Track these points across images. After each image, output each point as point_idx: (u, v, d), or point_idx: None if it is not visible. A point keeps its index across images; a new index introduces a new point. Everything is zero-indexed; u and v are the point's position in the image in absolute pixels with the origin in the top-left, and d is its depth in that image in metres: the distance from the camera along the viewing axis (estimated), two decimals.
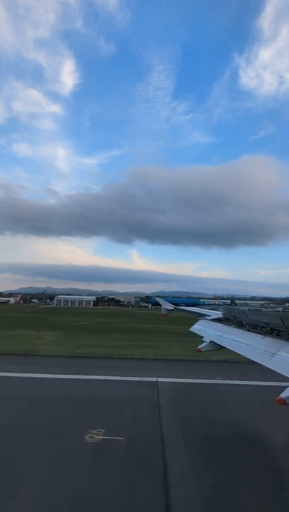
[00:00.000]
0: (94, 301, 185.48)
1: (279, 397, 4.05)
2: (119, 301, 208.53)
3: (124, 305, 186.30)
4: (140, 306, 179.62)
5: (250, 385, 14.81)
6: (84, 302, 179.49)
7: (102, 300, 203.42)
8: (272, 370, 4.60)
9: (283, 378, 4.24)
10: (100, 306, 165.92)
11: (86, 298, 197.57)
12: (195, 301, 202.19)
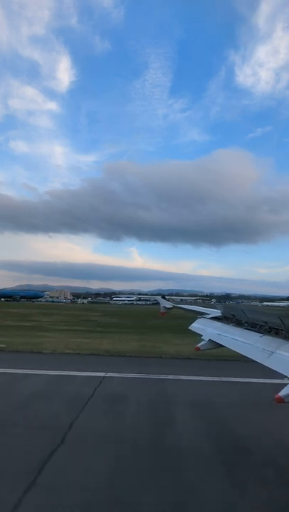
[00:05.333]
0: None
1: (277, 396, 4.02)
2: None
3: None
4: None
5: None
6: None
7: None
8: (271, 369, 4.62)
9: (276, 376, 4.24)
10: None
11: None
12: (37, 293, 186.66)
